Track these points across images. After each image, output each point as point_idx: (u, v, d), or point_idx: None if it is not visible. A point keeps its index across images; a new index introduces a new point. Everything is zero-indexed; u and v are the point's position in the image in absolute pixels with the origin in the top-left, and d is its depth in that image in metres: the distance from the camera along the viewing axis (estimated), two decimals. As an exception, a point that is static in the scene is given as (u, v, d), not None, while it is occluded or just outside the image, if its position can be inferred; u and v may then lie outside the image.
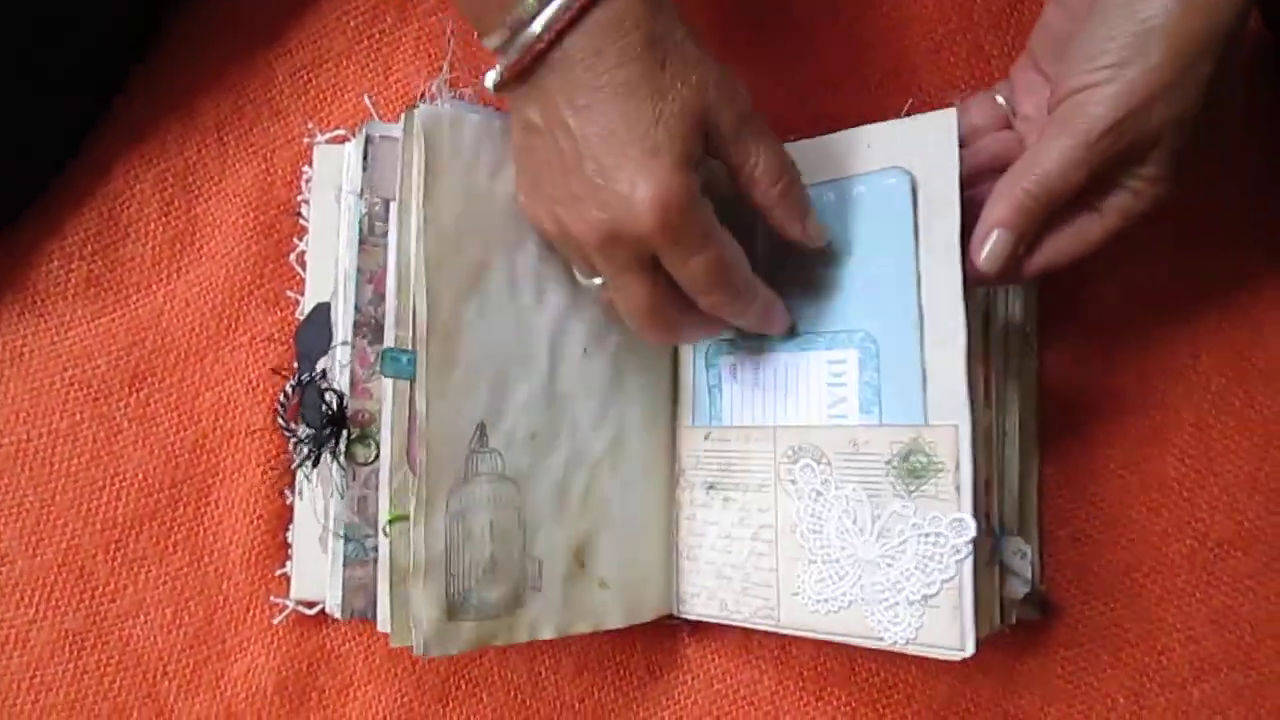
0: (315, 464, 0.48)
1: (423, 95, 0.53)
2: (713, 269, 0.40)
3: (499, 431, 0.45)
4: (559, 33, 0.37)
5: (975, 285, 0.44)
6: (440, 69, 0.53)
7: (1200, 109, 0.39)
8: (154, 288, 0.52)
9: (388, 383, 0.44)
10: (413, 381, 0.44)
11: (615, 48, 0.37)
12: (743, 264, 0.42)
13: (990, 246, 0.42)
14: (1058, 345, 0.52)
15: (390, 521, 0.44)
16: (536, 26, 0.37)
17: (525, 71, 0.39)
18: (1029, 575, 0.48)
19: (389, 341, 0.45)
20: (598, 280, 0.43)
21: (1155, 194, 0.41)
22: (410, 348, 0.44)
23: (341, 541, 0.47)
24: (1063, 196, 0.41)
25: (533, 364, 0.46)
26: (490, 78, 0.40)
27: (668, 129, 0.38)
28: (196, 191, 0.53)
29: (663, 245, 0.39)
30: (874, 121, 0.46)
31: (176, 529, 0.51)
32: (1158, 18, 0.37)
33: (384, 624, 0.46)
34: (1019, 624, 0.49)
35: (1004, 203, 0.41)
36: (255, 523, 0.51)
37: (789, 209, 0.42)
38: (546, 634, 0.46)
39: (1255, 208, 0.53)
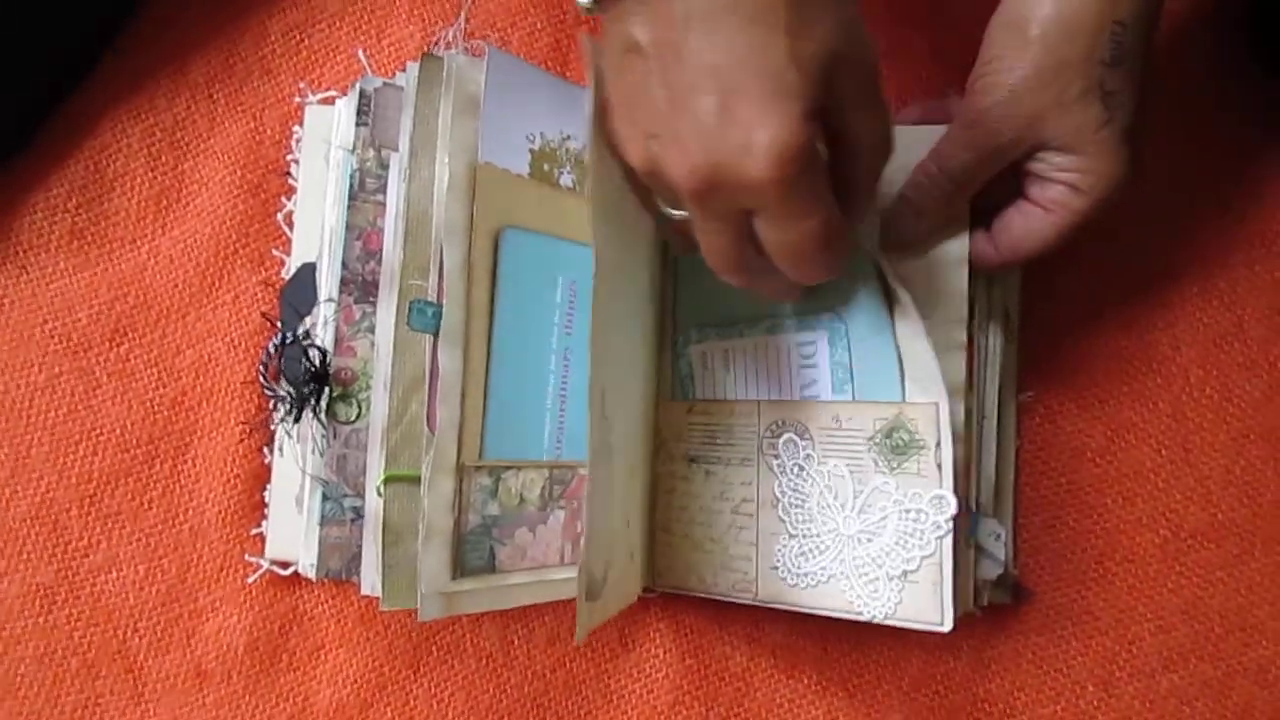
0: (296, 420, 0.48)
1: (435, 43, 0.53)
2: (819, 237, 0.35)
3: (608, 397, 0.42)
4: None
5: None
6: (434, 32, 0.53)
7: (1099, 97, 0.40)
8: (138, 243, 0.52)
9: (379, 340, 0.44)
10: (435, 334, 0.42)
11: None
12: (846, 236, 0.37)
13: (893, 217, 0.46)
14: (1038, 331, 0.53)
15: (385, 481, 0.43)
16: None
17: None
18: (1002, 557, 0.48)
19: (390, 293, 0.43)
20: (681, 213, 0.39)
21: (1095, 187, 0.42)
22: (433, 299, 0.42)
23: (319, 500, 0.47)
24: (956, 176, 0.43)
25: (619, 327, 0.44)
26: None
27: (801, 70, 0.32)
28: (184, 148, 0.53)
29: (771, 202, 0.34)
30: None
31: (152, 485, 0.51)
32: (1023, 14, 0.40)
33: (369, 587, 0.46)
34: (989, 607, 0.49)
35: (911, 178, 0.45)
36: (232, 481, 0.51)
37: (871, 190, 0.39)
38: (610, 613, 0.43)
39: (1238, 200, 0.54)
